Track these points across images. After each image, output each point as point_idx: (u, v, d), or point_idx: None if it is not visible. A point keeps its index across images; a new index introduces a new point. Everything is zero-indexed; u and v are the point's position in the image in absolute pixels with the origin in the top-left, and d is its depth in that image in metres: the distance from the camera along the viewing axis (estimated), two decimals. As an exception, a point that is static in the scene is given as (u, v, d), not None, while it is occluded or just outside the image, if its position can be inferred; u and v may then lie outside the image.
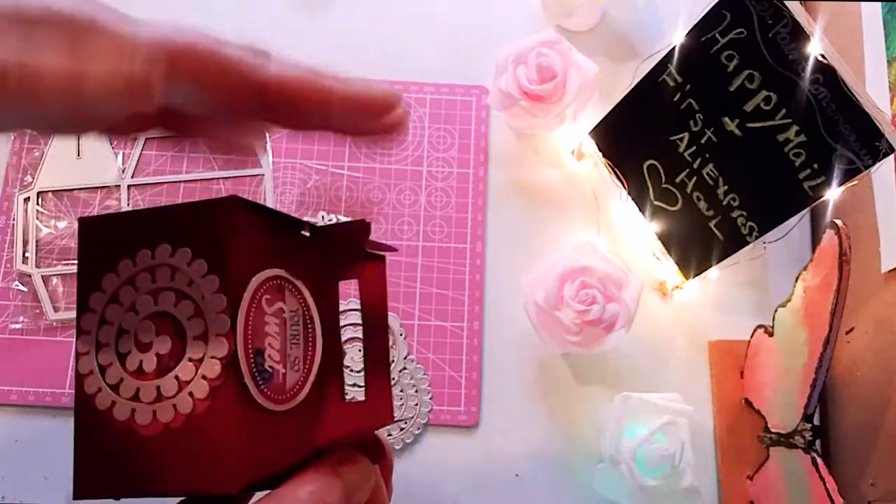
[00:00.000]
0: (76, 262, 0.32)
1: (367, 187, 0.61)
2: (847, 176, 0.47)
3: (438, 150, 0.62)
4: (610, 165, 0.58)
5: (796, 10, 0.47)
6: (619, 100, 0.56)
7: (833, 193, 0.48)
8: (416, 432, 0.55)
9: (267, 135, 0.61)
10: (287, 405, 0.27)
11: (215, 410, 0.25)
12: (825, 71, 0.46)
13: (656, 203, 0.56)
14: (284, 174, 0.61)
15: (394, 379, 0.56)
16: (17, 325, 0.56)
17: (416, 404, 0.55)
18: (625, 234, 0.60)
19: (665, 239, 0.57)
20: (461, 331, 0.58)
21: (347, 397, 0.29)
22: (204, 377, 0.25)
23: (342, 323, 0.30)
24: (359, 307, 0.31)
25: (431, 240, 0.60)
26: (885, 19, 0.52)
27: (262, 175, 0.60)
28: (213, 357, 0.25)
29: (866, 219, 0.53)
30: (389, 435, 0.55)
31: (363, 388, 0.30)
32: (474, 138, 0.62)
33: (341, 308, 0.29)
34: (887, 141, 0.45)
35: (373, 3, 0.67)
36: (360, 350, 0.28)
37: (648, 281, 0.59)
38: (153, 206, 0.27)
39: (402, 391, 0.56)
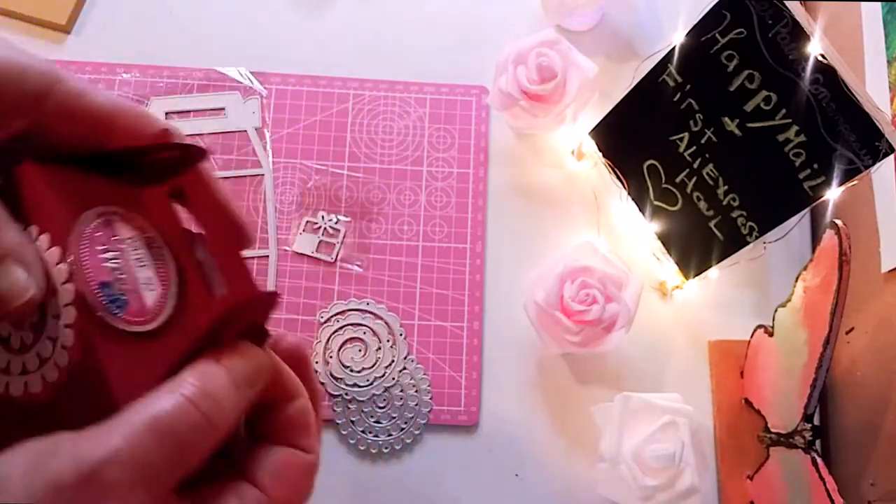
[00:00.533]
0: None
1: (367, 187, 0.61)
2: (847, 176, 0.47)
3: (438, 150, 0.62)
4: (610, 165, 0.58)
5: (796, 10, 0.47)
6: (619, 100, 0.56)
7: (833, 193, 0.48)
8: (416, 432, 0.55)
9: (267, 133, 0.61)
10: (155, 322, 0.28)
11: (88, 351, 0.26)
12: (825, 71, 0.46)
13: (656, 203, 0.56)
14: (284, 174, 0.61)
15: (393, 379, 0.56)
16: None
17: (416, 404, 0.56)
18: (625, 234, 0.60)
19: (665, 239, 0.57)
20: (461, 331, 0.58)
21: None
22: (66, 326, 0.26)
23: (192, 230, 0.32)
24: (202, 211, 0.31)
25: (431, 240, 0.60)
26: (885, 19, 0.52)
27: (262, 175, 0.60)
28: (66, 305, 0.27)
29: (866, 219, 0.53)
30: (389, 435, 0.55)
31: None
32: (474, 138, 0.62)
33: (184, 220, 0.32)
34: (887, 141, 0.45)
35: (373, 3, 0.67)
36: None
37: (648, 281, 0.59)
38: None
39: (402, 391, 0.56)
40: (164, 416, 0.24)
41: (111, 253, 0.28)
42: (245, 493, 0.27)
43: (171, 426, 0.24)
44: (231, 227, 0.32)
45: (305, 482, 0.29)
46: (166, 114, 0.60)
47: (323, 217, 0.59)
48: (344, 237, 0.59)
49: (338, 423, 0.55)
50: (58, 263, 0.27)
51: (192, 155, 0.31)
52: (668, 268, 0.57)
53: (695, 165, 0.54)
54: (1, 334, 0.28)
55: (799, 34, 0.47)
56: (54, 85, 0.28)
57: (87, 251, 0.27)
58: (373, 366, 0.56)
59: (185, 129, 0.60)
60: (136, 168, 0.32)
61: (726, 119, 0.51)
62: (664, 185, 0.55)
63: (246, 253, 0.58)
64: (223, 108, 0.61)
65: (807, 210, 0.50)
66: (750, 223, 0.52)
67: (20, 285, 0.26)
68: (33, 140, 0.29)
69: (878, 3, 0.53)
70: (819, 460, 0.46)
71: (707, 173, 0.53)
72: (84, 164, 0.30)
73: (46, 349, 0.27)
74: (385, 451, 0.55)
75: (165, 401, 0.24)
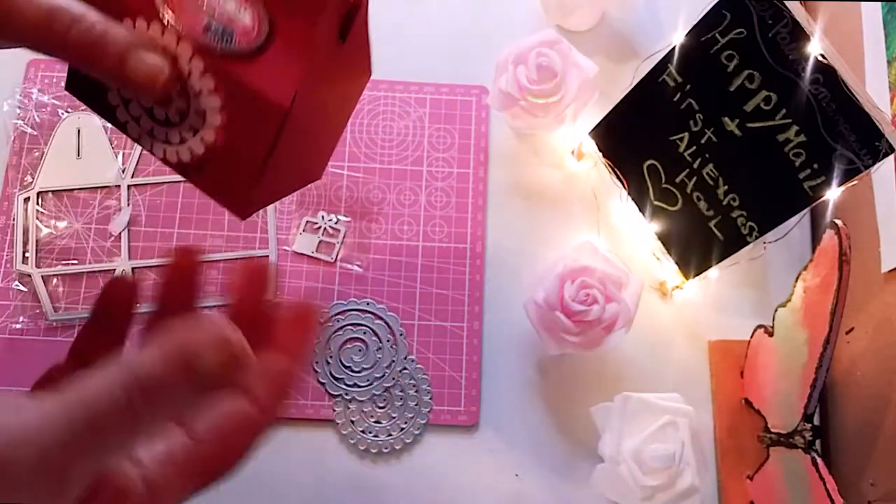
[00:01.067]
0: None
1: (367, 187, 0.61)
2: (847, 176, 0.47)
3: (438, 150, 0.62)
4: (610, 165, 0.58)
5: (796, 10, 0.47)
6: (619, 100, 0.56)
7: (833, 193, 0.48)
8: (416, 432, 0.55)
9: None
10: (260, 37, 0.32)
11: (229, 83, 0.32)
12: (825, 71, 0.46)
13: (656, 203, 0.56)
14: (284, 174, 0.61)
15: (393, 379, 0.56)
16: (18, 325, 0.56)
17: (416, 404, 0.55)
18: (625, 234, 0.60)
19: (665, 239, 0.57)
20: (461, 331, 0.58)
21: None
22: (202, 74, 0.32)
23: None
24: None
25: (431, 240, 0.60)
26: (885, 19, 0.52)
27: (262, 175, 0.60)
28: (189, 59, 0.32)
29: (866, 219, 0.53)
30: (389, 435, 0.55)
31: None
32: (474, 138, 0.62)
33: None
34: (887, 141, 0.45)
35: (372, 3, 0.67)
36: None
37: (648, 281, 0.59)
38: None
39: (402, 391, 0.56)
40: (87, 394, 0.24)
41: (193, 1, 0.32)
42: (174, 437, 0.27)
43: (91, 406, 0.24)
44: None
45: (241, 438, 0.27)
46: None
47: (323, 217, 0.59)
48: (344, 237, 0.59)
49: (338, 423, 0.55)
50: (163, 34, 0.31)
51: None
52: (668, 268, 0.57)
53: (695, 165, 0.54)
54: (158, 116, 0.34)
55: (799, 34, 0.47)
56: None
57: (177, 10, 0.32)
58: (373, 366, 0.56)
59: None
60: None
61: (726, 119, 0.51)
62: (664, 185, 0.55)
63: (245, 253, 0.58)
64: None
65: (807, 210, 0.50)
66: (750, 223, 0.52)
67: (158, 65, 0.32)
68: None
69: (878, 3, 0.53)
70: (819, 460, 0.46)
71: (707, 173, 0.53)
72: None
73: (197, 121, 0.33)
74: (385, 451, 0.54)
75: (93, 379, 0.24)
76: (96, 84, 0.34)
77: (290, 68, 0.32)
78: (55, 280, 0.57)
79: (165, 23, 0.32)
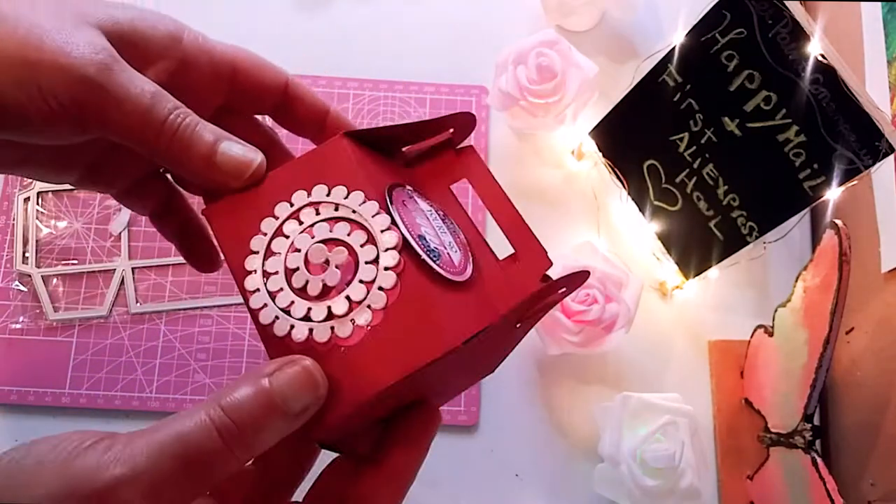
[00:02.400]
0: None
1: (367, 187, 0.61)
2: (847, 176, 0.47)
3: (438, 150, 0.62)
4: (610, 165, 0.58)
5: (796, 10, 0.47)
6: (619, 100, 0.56)
7: (833, 193, 0.48)
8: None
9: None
10: (462, 276, 0.30)
11: (409, 290, 0.28)
12: (825, 71, 0.46)
13: (656, 203, 0.56)
14: (284, 174, 0.60)
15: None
16: (17, 325, 0.56)
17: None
18: (625, 234, 0.60)
19: (665, 239, 0.57)
20: (461, 331, 0.58)
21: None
22: (386, 268, 0.28)
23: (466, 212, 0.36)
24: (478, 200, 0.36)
25: (431, 240, 0.60)
26: (885, 19, 0.52)
27: (262, 175, 0.60)
28: (387, 250, 0.28)
29: (866, 219, 0.53)
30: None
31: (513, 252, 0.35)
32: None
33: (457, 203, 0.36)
34: (887, 141, 0.45)
35: (373, 3, 0.67)
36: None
37: (648, 281, 0.59)
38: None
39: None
40: (187, 439, 0.24)
41: (420, 215, 0.31)
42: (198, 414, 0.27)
43: (191, 452, 0.24)
44: (509, 204, 0.37)
45: (259, 415, 0.27)
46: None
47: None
48: (344, 237, 0.59)
49: None
50: (374, 215, 0.29)
51: (456, 137, 0.36)
52: (668, 268, 0.57)
53: (695, 165, 0.54)
54: (296, 284, 0.29)
55: (799, 34, 0.47)
56: (183, 30, 0.33)
57: (402, 210, 0.30)
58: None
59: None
60: (397, 150, 0.35)
61: (726, 119, 0.51)
62: (664, 185, 0.55)
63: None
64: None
65: (807, 210, 0.50)
66: (750, 223, 0.52)
67: (247, 155, 0.30)
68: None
69: (878, 3, 0.53)
70: (819, 460, 0.46)
71: (707, 173, 0.53)
72: (379, 140, 0.33)
73: (359, 292, 0.28)
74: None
75: (190, 422, 0.25)
76: None
77: (471, 322, 0.28)
78: (55, 280, 0.57)
79: (386, 212, 0.29)
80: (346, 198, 0.29)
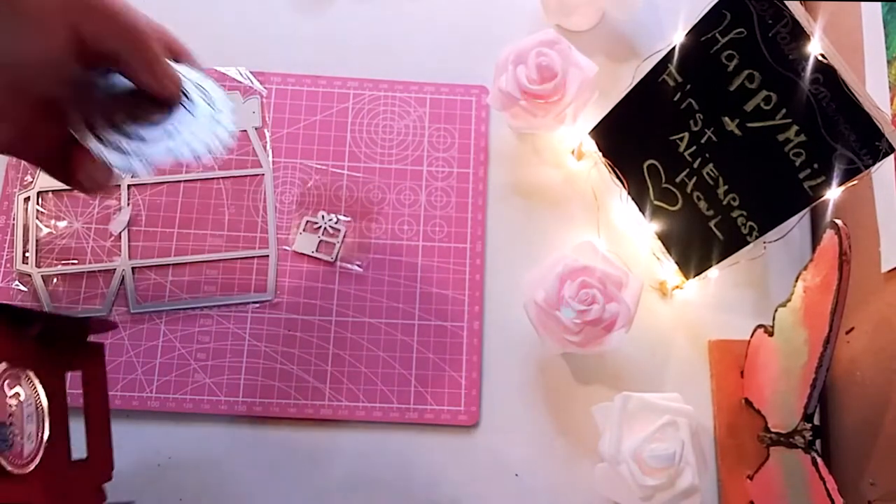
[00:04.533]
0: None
1: (367, 187, 0.61)
2: (847, 176, 0.47)
3: (438, 150, 0.62)
4: (610, 165, 0.58)
5: (796, 10, 0.47)
6: (619, 100, 0.56)
7: (833, 193, 0.48)
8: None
9: (266, 133, 0.61)
10: (25, 469, 0.34)
11: None
12: (825, 71, 0.46)
13: (656, 203, 0.56)
14: (284, 174, 0.61)
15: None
16: (17, 325, 0.56)
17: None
18: (625, 234, 0.60)
19: (665, 239, 0.57)
20: (461, 331, 0.58)
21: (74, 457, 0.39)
22: None
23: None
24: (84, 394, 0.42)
25: (431, 240, 0.60)
26: (885, 19, 0.52)
27: (262, 175, 0.60)
28: None
29: (866, 219, 0.53)
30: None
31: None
32: (474, 138, 0.62)
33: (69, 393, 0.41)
34: (887, 141, 0.45)
35: (372, 3, 0.67)
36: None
37: (648, 281, 0.59)
38: None
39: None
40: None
41: (14, 402, 0.35)
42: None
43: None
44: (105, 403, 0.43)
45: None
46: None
47: (323, 217, 0.59)
48: (344, 237, 0.59)
49: None
50: None
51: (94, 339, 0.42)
52: (668, 268, 0.57)
53: (695, 165, 0.54)
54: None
55: (799, 34, 0.47)
56: None
57: None
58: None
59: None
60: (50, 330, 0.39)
61: (726, 119, 0.51)
62: (664, 185, 0.55)
63: (245, 252, 0.58)
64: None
65: (807, 210, 0.50)
66: (750, 223, 0.52)
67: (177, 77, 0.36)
68: None
69: (878, 3, 0.53)
70: (819, 460, 0.46)
71: (707, 173, 0.53)
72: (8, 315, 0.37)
73: None
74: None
75: None
76: None
77: None
78: (55, 280, 0.57)
79: None
80: None
